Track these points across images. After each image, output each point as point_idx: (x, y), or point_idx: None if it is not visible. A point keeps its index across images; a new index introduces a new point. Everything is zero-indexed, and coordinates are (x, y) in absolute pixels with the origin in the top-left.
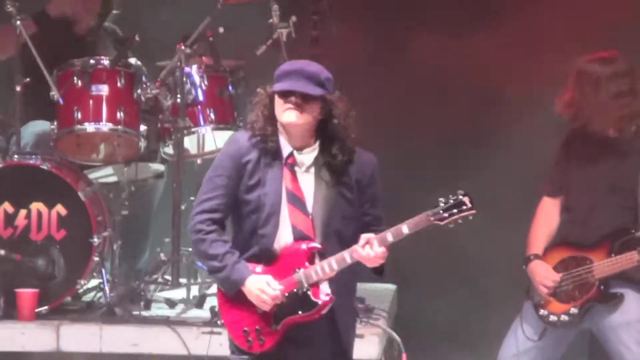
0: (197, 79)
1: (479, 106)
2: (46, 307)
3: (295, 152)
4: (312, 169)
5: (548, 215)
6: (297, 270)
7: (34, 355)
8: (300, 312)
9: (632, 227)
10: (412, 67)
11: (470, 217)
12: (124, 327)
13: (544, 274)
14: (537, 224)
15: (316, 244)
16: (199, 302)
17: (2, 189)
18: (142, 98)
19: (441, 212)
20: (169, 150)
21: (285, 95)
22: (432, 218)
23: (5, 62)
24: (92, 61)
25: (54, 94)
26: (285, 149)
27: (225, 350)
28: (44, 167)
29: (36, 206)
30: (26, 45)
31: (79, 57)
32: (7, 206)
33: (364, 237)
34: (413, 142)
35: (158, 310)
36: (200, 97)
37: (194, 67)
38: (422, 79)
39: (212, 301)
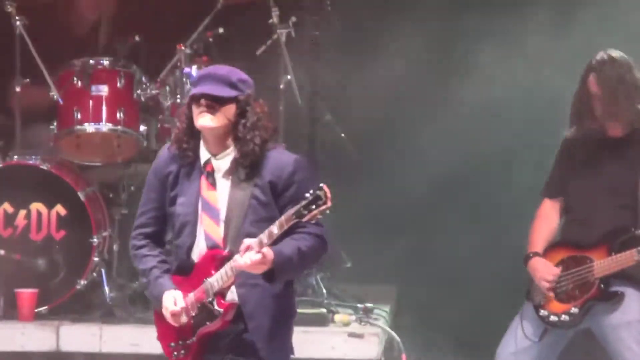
0: None
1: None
2: (46, 307)
3: (212, 159)
4: (229, 174)
5: (548, 217)
6: (205, 280)
7: (34, 355)
8: (207, 323)
9: (631, 226)
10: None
11: (328, 212)
12: (124, 327)
13: (544, 269)
14: (537, 225)
15: (221, 252)
16: None
17: (2, 189)
18: (142, 98)
19: (301, 209)
20: None
21: (197, 100)
22: (293, 216)
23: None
24: (92, 61)
25: (54, 94)
26: (204, 156)
27: None
28: (44, 167)
29: (36, 206)
30: (25, 46)
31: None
32: (7, 206)
33: (245, 242)
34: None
35: None
36: None
37: (194, 67)
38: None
39: None
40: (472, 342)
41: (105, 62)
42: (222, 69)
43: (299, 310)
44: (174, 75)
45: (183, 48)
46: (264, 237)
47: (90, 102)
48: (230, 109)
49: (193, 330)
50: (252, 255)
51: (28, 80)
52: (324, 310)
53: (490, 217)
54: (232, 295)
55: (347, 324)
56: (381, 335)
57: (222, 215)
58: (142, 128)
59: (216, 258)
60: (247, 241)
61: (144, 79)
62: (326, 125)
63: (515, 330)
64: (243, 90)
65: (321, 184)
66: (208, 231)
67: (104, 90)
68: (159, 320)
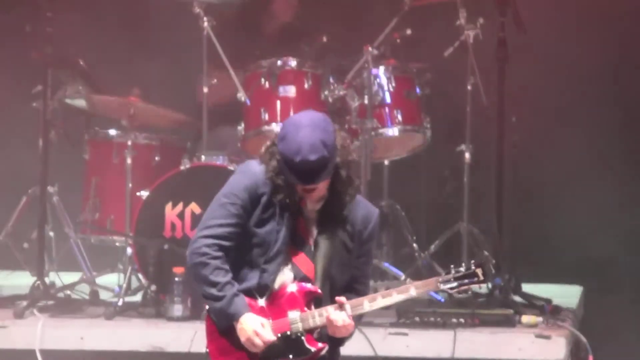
0: (384, 80)
1: None
2: None
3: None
4: (319, 214)
5: None
6: (292, 312)
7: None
8: (291, 356)
9: None
10: None
11: (480, 288)
12: None
13: None
14: None
15: (317, 289)
16: None
17: (190, 189)
18: (330, 99)
19: (452, 279)
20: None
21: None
22: (441, 285)
23: (191, 66)
24: (279, 62)
25: (241, 95)
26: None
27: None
28: (231, 167)
29: None
30: (213, 47)
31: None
32: (194, 207)
33: (339, 298)
34: None
35: None
36: (388, 99)
37: (382, 68)
38: None
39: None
40: None
41: (293, 63)
42: (314, 152)
43: (486, 311)
44: (361, 77)
45: (370, 49)
46: (377, 300)
47: (278, 103)
48: (332, 170)
49: (264, 357)
50: (345, 318)
51: (215, 81)
52: (511, 311)
53: None
54: (316, 335)
55: (534, 325)
56: (568, 336)
57: (312, 251)
58: None
59: (308, 295)
60: (343, 299)
61: (331, 80)
62: (512, 126)
63: None
64: (336, 145)
65: (475, 260)
66: (298, 263)
67: (291, 91)
68: (219, 334)
